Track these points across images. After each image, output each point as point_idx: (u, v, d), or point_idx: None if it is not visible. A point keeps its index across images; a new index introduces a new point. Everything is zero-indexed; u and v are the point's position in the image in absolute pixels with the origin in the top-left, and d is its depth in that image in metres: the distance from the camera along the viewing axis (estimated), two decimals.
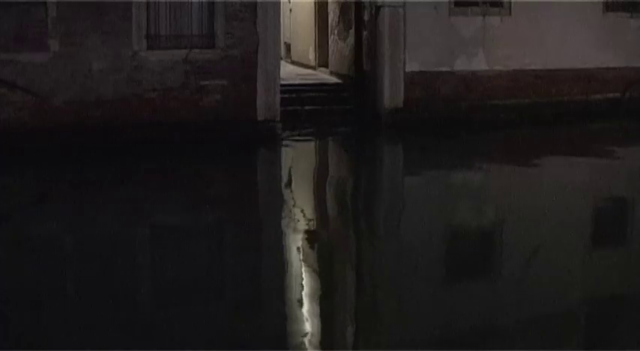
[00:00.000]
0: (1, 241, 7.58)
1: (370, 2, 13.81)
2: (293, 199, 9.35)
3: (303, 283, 6.23)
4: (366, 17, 14.05)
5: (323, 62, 17.11)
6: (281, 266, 6.78)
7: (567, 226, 7.89)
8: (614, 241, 7.74)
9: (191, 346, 4.97)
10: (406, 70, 13.58)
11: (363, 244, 7.81)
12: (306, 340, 5.05)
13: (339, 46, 15.64)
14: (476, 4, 14.02)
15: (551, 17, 14.33)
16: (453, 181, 10.48)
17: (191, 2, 12.08)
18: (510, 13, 14.21)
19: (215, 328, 5.26)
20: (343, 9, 15.41)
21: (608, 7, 14.89)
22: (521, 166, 11.10)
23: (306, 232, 7.71)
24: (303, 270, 6.57)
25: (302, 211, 8.56)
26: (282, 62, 15.03)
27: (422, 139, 13.10)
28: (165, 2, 11.97)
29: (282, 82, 12.96)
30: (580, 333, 5.48)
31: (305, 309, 5.61)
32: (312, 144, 12.97)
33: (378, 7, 13.53)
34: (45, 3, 11.26)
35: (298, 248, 7.20)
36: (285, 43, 19.63)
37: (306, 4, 18.54)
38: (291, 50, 20.51)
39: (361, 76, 14.18)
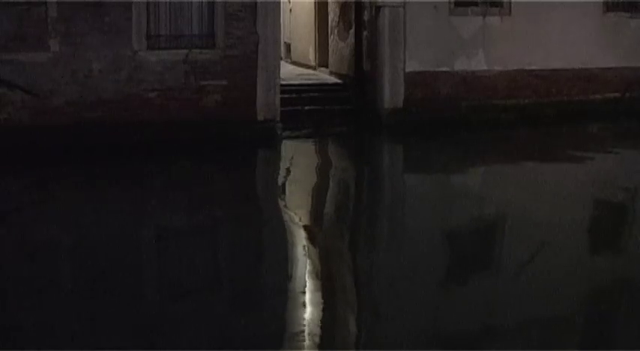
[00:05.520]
0: (1, 241, 7.58)
1: (370, 2, 13.81)
2: (293, 199, 9.35)
3: (303, 283, 6.23)
4: (366, 17, 14.05)
5: (323, 62, 17.11)
6: (281, 266, 6.78)
7: (566, 227, 7.88)
8: (612, 242, 7.74)
9: (192, 346, 4.97)
10: (406, 70, 13.59)
11: (364, 244, 7.80)
12: (306, 339, 5.05)
13: (339, 46, 15.64)
14: (476, 4, 14.02)
15: (551, 17, 14.34)
16: (453, 181, 10.48)
17: (191, 2, 12.08)
18: (510, 13, 14.21)
19: (216, 328, 5.26)
20: (343, 9, 15.41)
21: (608, 7, 14.90)
22: (522, 166, 11.12)
23: (306, 232, 7.71)
24: (303, 270, 6.57)
25: (302, 211, 8.56)
26: (282, 62, 15.03)
27: (422, 139, 13.11)
28: (165, 2, 11.98)
29: (282, 82, 12.96)
30: (580, 333, 5.48)
31: (305, 309, 5.61)
32: (312, 144, 12.97)
33: (378, 7, 13.53)
34: (45, 3, 11.27)
35: (298, 248, 7.20)
36: (285, 43, 19.64)
37: (306, 4, 18.55)
38: (291, 50, 20.51)
39: (361, 76, 14.18)
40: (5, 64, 11.16)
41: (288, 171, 11.38)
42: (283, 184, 10.43)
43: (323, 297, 6.01)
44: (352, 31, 14.60)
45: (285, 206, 8.95)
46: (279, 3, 12.95)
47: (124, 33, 11.68)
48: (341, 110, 13.88)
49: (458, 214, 8.60)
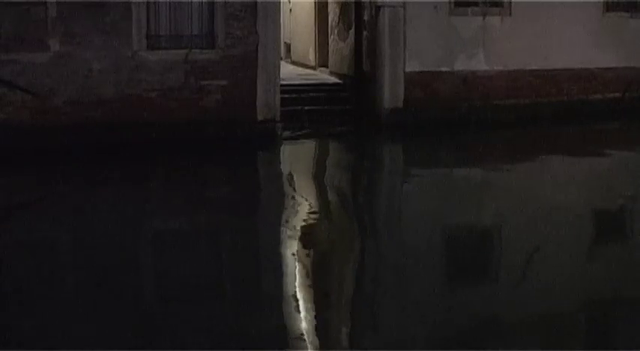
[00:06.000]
0: (1, 241, 7.57)
1: (370, 2, 13.81)
2: (293, 199, 9.34)
3: (304, 283, 6.23)
4: (366, 17, 14.05)
5: (323, 62, 17.12)
6: (281, 267, 6.77)
7: (566, 226, 7.89)
8: (612, 241, 7.75)
9: (192, 346, 4.97)
10: (406, 70, 13.59)
11: (364, 244, 7.80)
12: (306, 339, 5.05)
13: (339, 46, 15.65)
14: (476, 4, 14.02)
15: (551, 17, 14.33)
16: (453, 181, 10.48)
17: (191, 2, 12.09)
18: (510, 13, 14.21)
19: (216, 329, 5.26)
20: (343, 9, 15.41)
21: (608, 7, 14.90)
22: (521, 166, 11.12)
23: (307, 232, 7.71)
24: (304, 271, 6.57)
25: (302, 211, 8.56)
26: (282, 62, 15.03)
27: (422, 139, 13.11)
28: (166, 2, 11.98)
29: (282, 82, 12.96)
30: (580, 333, 5.48)
31: (306, 309, 5.60)
32: (312, 144, 12.97)
33: (378, 7, 13.53)
34: (45, 3, 11.27)
35: (299, 248, 7.19)
36: (285, 43, 19.64)
37: (306, 4, 18.55)
38: (291, 50, 20.52)
39: (361, 76, 14.18)
40: (5, 64, 11.16)
41: (288, 171, 11.37)
42: (283, 185, 10.42)
43: (323, 299, 6.01)
44: (352, 31, 14.61)
45: (286, 207, 8.94)
46: (279, 3, 12.95)
47: (124, 33, 11.68)
48: (341, 110, 13.88)
49: (458, 214, 8.59)
